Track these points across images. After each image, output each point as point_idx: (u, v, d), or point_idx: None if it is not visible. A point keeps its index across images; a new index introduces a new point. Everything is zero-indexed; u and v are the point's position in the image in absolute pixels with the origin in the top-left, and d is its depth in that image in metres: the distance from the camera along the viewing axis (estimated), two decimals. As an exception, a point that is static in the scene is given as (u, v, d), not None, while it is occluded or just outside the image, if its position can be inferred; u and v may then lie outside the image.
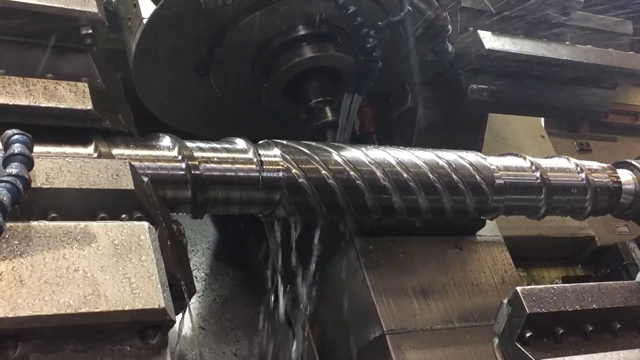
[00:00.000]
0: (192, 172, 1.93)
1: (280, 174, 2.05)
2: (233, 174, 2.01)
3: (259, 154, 2.07)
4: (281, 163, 2.07)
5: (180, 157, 1.94)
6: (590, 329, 2.10)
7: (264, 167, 2.05)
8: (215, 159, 2.00)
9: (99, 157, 1.78)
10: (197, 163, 1.95)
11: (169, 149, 1.96)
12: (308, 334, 2.83)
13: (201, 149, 2.00)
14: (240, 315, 2.94)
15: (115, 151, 1.84)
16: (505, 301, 2.06)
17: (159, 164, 1.89)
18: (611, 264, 3.64)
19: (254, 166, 2.03)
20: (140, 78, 2.41)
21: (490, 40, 2.62)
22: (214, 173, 1.98)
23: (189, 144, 2.00)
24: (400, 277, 2.71)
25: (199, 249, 3.11)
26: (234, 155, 2.04)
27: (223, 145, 2.07)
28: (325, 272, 2.70)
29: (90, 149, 1.80)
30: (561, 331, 2.05)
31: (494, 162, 2.51)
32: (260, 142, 2.16)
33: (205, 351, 2.80)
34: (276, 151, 2.09)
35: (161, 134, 2.02)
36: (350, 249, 2.70)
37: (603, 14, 3.07)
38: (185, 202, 1.96)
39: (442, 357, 2.56)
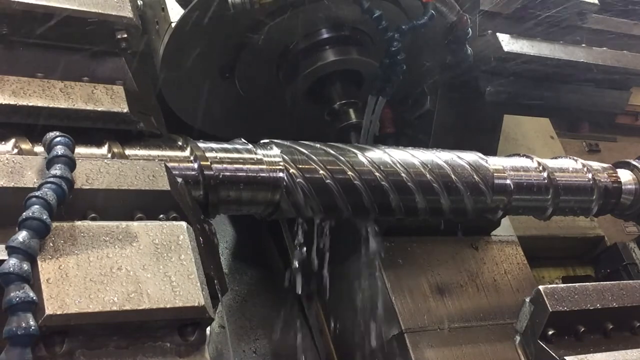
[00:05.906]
0: (204, 172, 1.94)
1: (282, 174, 2.05)
2: (244, 174, 2.02)
3: (267, 155, 2.08)
4: (281, 164, 2.06)
5: (192, 158, 1.95)
6: (611, 327, 2.12)
7: (271, 167, 2.06)
8: (227, 160, 2.01)
9: (112, 157, 1.80)
10: (209, 163, 1.96)
11: (181, 149, 1.97)
12: (325, 332, 2.86)
13: (213, 150, 2.01)
14: (259, 313, 2.96)
15: (128, 152, 1.85)
16: (527, 300, 2.08)
17: (172, 164, 1.89)
18: (611, 264, 3.58)
19: (265, 166, 2.05)
20: (167, 80, 2.43)
21: (508, 43, 2.66)
22: (226, 173, 1.99)
23: (201, 144, 2.01)
24: (417, 276, 2.73)
25: (217, 249, 3.14)
26: (245, 155, 2.06)
27: (234, 146, 2.08)
28: (344, 270, 2.72)
29: (104, 150, 1.83)
30: (582, 329, 2.07)
31: (502, 162, 2.54)
32: (263, 141, 2.16)
33: (225, 349, 2.82)
34: (276, 151, 2.09)
35: (174, 135, 2.03)
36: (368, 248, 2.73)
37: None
38: (197, 202, 1.95)
39: (460, 355, 2.58)
